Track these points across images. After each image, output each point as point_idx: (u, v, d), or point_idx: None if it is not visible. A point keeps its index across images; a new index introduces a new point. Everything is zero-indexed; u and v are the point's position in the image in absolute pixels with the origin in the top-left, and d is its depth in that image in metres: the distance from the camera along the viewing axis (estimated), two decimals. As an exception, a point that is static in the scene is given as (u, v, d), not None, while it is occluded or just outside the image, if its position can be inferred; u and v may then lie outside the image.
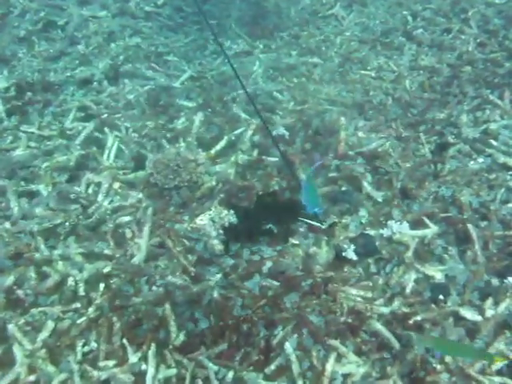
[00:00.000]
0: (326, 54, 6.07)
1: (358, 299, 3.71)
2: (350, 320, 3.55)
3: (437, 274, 3.79)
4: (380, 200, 4.29)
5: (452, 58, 5.83)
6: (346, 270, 3.88)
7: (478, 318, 3.45)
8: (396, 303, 3.63)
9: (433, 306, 3.58)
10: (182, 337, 3.45)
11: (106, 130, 4.93)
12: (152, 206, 4.18)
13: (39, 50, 6.27)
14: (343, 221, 4.14)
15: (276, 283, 3.79)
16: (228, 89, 5.55)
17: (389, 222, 3.95)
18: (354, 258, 3.80)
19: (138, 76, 5.87)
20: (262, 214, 4.02)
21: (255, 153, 4.80)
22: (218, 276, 3.77)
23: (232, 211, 4.00)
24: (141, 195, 4.26)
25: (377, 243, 3.91)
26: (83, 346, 3.37)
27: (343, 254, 3.83)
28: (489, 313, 3.45)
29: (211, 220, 3.95)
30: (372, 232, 3.99)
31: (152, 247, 3.94)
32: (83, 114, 5.28)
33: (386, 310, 3.61)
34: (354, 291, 3.75)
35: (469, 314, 3.46)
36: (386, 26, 6.45)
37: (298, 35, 6.41)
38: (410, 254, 3.86)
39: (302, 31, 6.48)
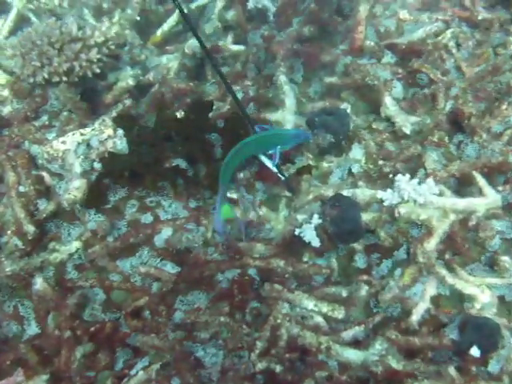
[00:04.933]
0: None
1: (315, 320, 1.92)
2: (277, 369, 1.78)
3: (481, 292, 1.85)
4: (407, 132, 2.31)
5: None
6: (306, 258, 2.06)
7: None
8: (379, 345, 1.78)
9: (450, 369, 1.69)
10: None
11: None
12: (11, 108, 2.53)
13: None
14: (324, 164, 2.25)
15: (170, 270, 2.08)
16: None
17: (398, 177, 1.99)
18: (316, 243, 1.95)
19: None
20: (173, 141, 2.22)
21: (229, 38, 2.93)
22: (74, 245, 2.11)
23: (121, 131, 2.25)
24: (6, 92, 2.61)
25: (365, 217, 1.99)
26: None
27: (296, 232, 1.98)
28: None
29: (83, 144, 2.24)
30: (365, 193, 2.06)
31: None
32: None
33: (354, 356, 1.79)
34: (309, 303, 1.95)
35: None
36: None
37: None
38: (432, 244, 1.94)
39: None
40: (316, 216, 1.95)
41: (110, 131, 2.24)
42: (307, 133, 2.25)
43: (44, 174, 2.29)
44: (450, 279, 1.87)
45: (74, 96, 2.44)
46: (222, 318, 1.88)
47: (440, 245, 1.94)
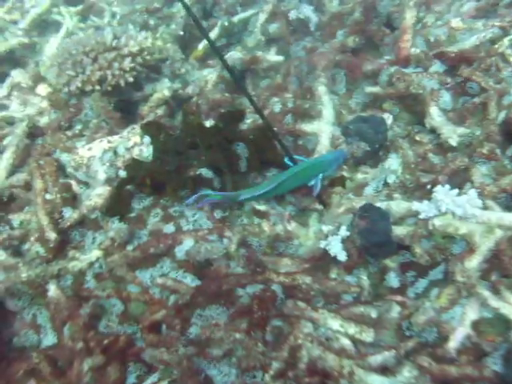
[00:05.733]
0: None
1: (340, 343, 1.74)
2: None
3: (531, 318, 1.62)
4: (454, 144, 2.12)
5: None
6: (334, 275, 1.89)
7: None
8: (407, 372, 1.58)
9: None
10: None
11: (62, 10, 3.29)
12: (48, 119, 2.54)
13: None
14: (359, 176, 2.09)
15: (189, 282, 1.96)
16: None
17: (437, 188, 1.80)
18: (342, 257, 1.79)
19: None
20: (198, 149, 2.13)
21: (272, 51, 2.87)
22: (94, 254, 2.05)
23: (147, 139, 2.19)
24: (45, 103, 2.63)
25: (400, 231, 1.81)
26: None
27: (321, 245, 1.82)
28: None
29: (110, 151, 2.19)
30: (400, 205, 1.88)
31: (12, 189, 2.31)
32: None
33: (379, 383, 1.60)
34: (335, 323, 1.77)
35: None
36: None
37: None
38: (474, 262, 1.72)
39: None
40: (344, 227, 1.79)
41: (136, 138, 2.18)
42: (343, 151, 2.11)
43: (72, 182, 2.26)
44: (493, 302, 1.65)
45: (106, 105, 2.42)
46: (238, 335, 1.74)
47: (484, 264, 1.73)
